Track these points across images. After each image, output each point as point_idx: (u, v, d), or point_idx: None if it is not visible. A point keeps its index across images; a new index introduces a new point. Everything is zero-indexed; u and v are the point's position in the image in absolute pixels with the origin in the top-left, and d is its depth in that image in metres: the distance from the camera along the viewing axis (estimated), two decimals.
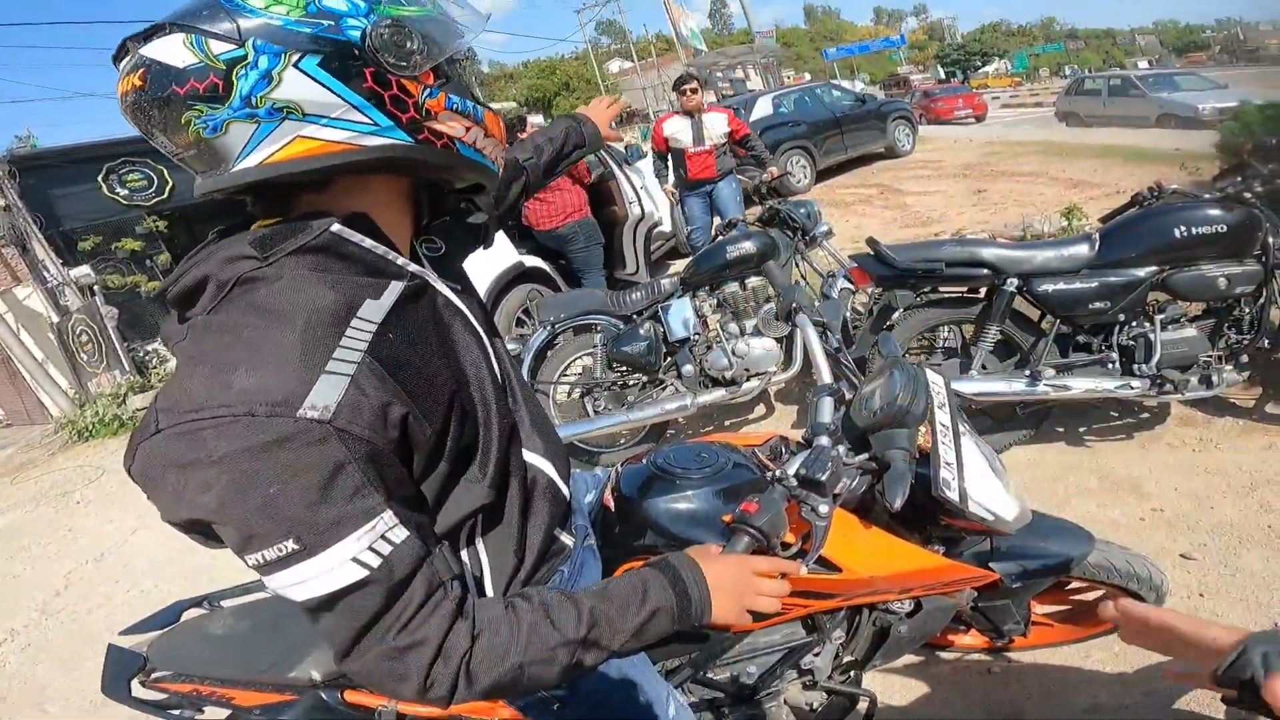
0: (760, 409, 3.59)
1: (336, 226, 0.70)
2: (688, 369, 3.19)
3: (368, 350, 0.66)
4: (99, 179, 8.48)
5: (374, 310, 0.69)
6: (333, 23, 0.65)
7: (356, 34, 0.65)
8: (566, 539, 0.97)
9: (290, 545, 0.59)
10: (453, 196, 0.90)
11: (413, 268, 0.77)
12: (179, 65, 0.61)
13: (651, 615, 0.77)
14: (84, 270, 7.93)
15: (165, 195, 8.79)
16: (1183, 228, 2.46)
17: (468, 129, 0.76)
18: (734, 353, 3.13)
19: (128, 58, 0.64)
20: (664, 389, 3.27)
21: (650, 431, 3.39)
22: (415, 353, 0.71)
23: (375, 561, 0.62)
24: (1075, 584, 1.57)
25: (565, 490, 0.96)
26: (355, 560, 0.61)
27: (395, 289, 0.73)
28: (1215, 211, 2.46)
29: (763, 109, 9.75)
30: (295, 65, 0.63)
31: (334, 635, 0.64)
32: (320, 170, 0.67)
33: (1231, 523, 2.22)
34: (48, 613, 3.43)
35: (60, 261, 7.88)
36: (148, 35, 0.63)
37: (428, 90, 0.71)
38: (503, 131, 0.82)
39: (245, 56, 0.62)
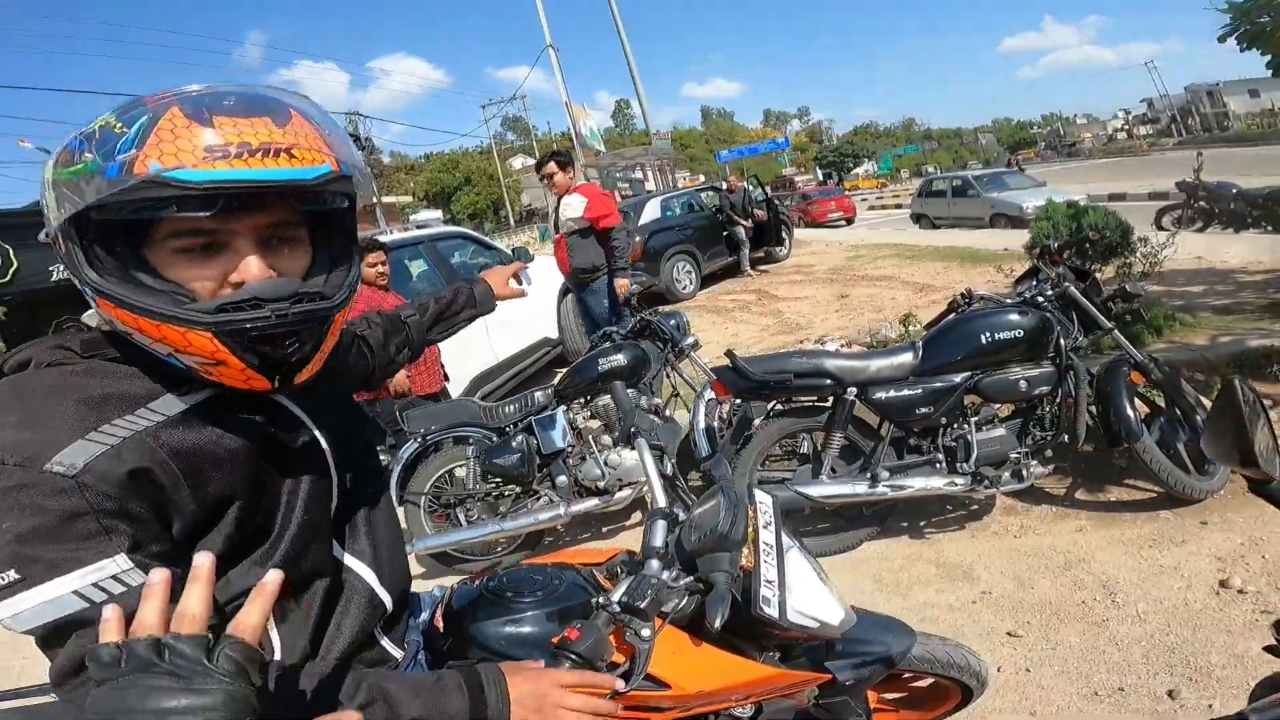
0: (636, 515, 3.64)
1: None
2: (561, 479, 3.22)
3: (143, 430, 0.69)
4: None
5: (171, 404, 0.73)
6: None
7: None
8: (394, 650, 0.98)
9: (11, 575, 0.62)
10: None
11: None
12: None
13: (439, 709, 0.78)
14: None
15: (8, 278, 7.90)
16: (987, 334, 2.78)
17: (145, 331, 0.71)
18: (607, 463, 3.20)
19: None
20: (538, 499, 3.28)
21: (526, 539, 3.36)
22: (207, 445, 0.74)
23: (99, 597, 0.63)
24: (907, 673, 1.68)
25: (386, 599, 0.96)
26: (77, 593, 0.63)
27: (206, 392, 0.76)
28: (1013, 316, 2.80)
29: (651, 212, 9.99)
30: None
31: (55, 665, 0.65)
32: None
33: (1050, 600, 2.44)
34: None
35: None
36: None
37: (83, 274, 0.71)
38: (212, 348, 0.69)
39: None
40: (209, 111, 0.66)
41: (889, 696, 1.84)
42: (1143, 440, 2.73)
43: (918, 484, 2.80)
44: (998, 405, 2.91)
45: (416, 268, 5.73)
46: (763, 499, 1.31)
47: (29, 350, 0.75)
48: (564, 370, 3.67)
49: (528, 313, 6.43)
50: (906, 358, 2.88)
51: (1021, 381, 2.80)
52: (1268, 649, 1.12)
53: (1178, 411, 2.91)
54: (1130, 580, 2.47)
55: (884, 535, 3.01)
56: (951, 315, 3.11)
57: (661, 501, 1.32)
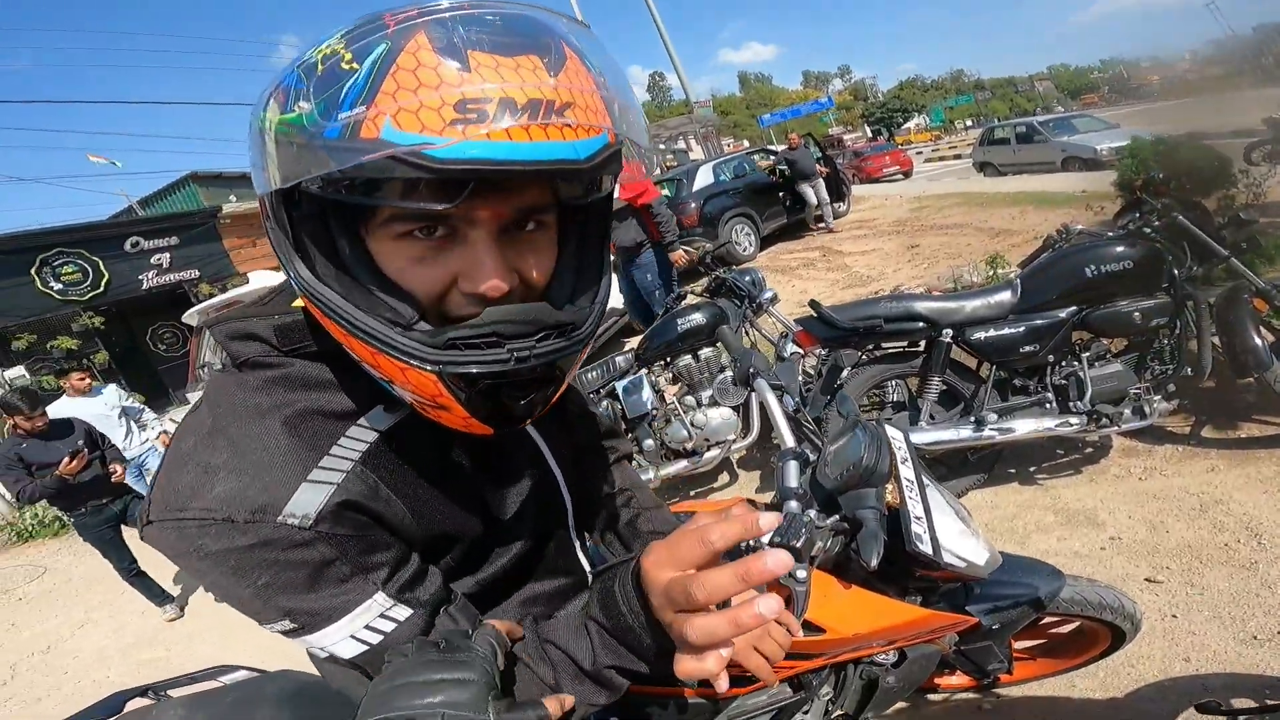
0: (724, 477, 3.61)
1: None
2: (648, 443, 3.20)
3: (360, 459, 0.63)
4: (32, 271, 8.06)
5: (379, 419, 0.65)
6: None
7: None
8: None
9: (289, 624, 0.61)
10: None
11: None
12: None
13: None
14: (18, 371, 7.59)
15: (101, 289, 8.37)
16: (1092, 267, 2.62)
17: (365, 351, 0.60)
18: (693, 424, 3.17)
19: None
20: None
21: None
22: (431, 455, 0.69)
23: (374, 639, 0.63)
24: (1050, 619, 1.61)
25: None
26: (354, 638, 0.63)
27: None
28: (1119, 249, 2.62)
29: (704, 178, 9.87)
30: None
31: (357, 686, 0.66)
32: None
33: (1189, 544, 2.29)
34: None
35: None
36: None
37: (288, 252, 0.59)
38: (435, 390, 0.57)
39: None
40: (463, 45, 0.47)
41: (1025, 644, 1.78)
42: (1273, 369, 2.52)
43: (1027, 426, 2.66)
44: (1109, 340, 2.74)
45: None
46: (895, 434, 1.25)
47: (219, 336, 0.65)
48: (639, 337, 3.64)
49: None
50: (1004, 296, 2.74)
51: (1136, 313, 2.61)
52: None
53: None
54: (1275, 520, 2.29)
55: (992, 483, 2.88)
56: (1048, 252, 2.96)
57: (790, 441, 1.27)
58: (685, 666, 0.55)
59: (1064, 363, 2.70)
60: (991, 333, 2.68)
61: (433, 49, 0.46)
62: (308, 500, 0.59)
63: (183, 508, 0.58)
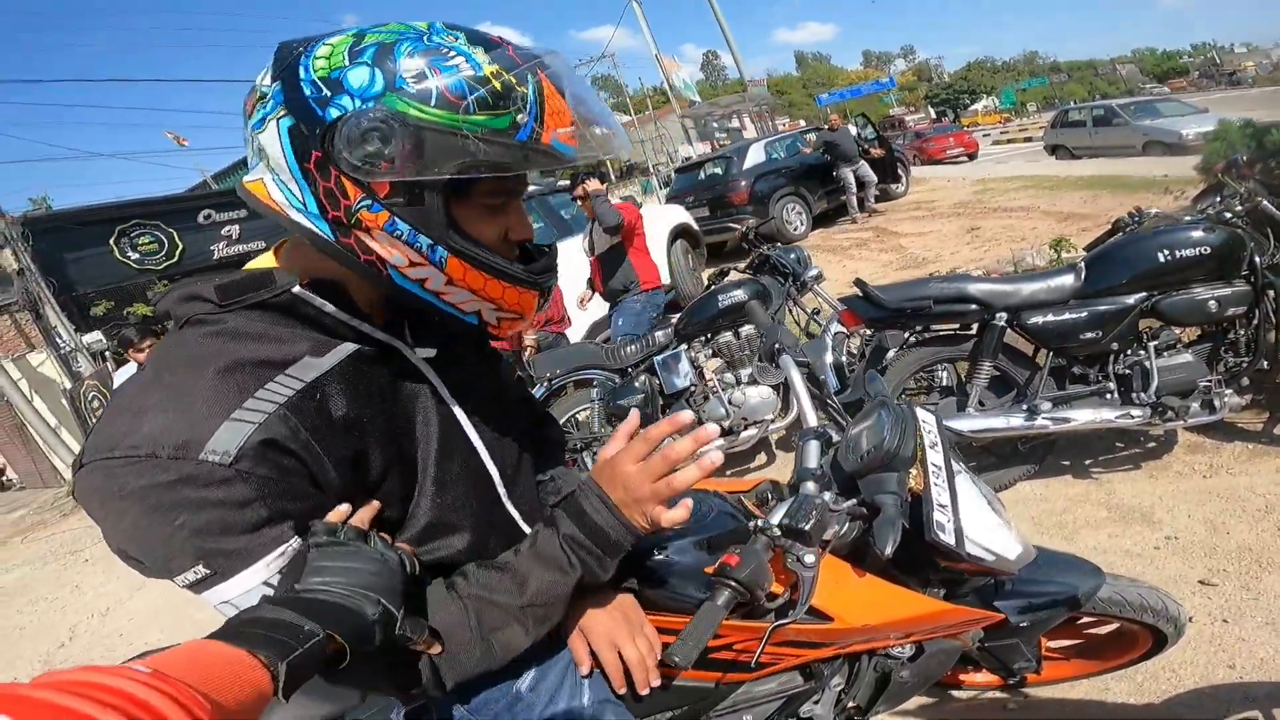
0: (761, 457, 3.56)
1: (298, 289, 0.72)
2: None
3: (285, 403, 0.67)
4: (110, 242, 8.49)
5: (308, 368, 0.71)
6: (329, 94, 0.64)
7: (335, 114, 0.64)
8: None
9: (202, 570, 0.63)
10: None
11: (379, 335, 0.77)
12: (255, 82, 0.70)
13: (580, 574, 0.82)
14: (96, 336, 8.04)
15: (176, 259, 8.79)
16: (1166, 251, 2.46)
17: (412, 263, 0.70)
18: (731, 402, 3.13)
19: None
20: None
21: None
22: (351, 410, 0.72)
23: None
24: (1087, 619, 1.53)
25: None
26: (266, 584, 0.64)
27: (343, 350, 0.74)
28: (1197, 234, 2.45)
29: (755, 156, 9.75)
30: (277, 120, 0.66)
31: None
32: (270, 218, 0.71)
33: (1250, 546, 2.16)
34: (51, 664, 3.43)
35: (73, 327, 7.99)
36: None
37: (369, 201, 0.67)
38: (524, 302, 0.79)
39: (264, 96, 0.67)
40: (562, 85, 0.70)
41: (1059, 644, 1.70)
42: None
43: (1085, 416, 2.53)
44: (1179, 329, 2.57)
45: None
46: (925, 417, 1.17)
47: (165, 303, 0.74)
48: (680, 312, 3.61)
49: None
50: (1066, 279, 2.59)
51: (1211, 302, 2.44)
52: None
53: None
54: None
55: (1042, 475, 2.75)
56: (1118, 235, 2.79)
57: (812, 421, 1.23)
58: (670, 516, 0.78)
59: (1129, 351, 2.55)
60: (1050, 317, 2.55)
61: (551, 84, 0.69)
62: (229, 438, 0.63)
63: (111, 448, 0.62)
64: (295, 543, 0.66)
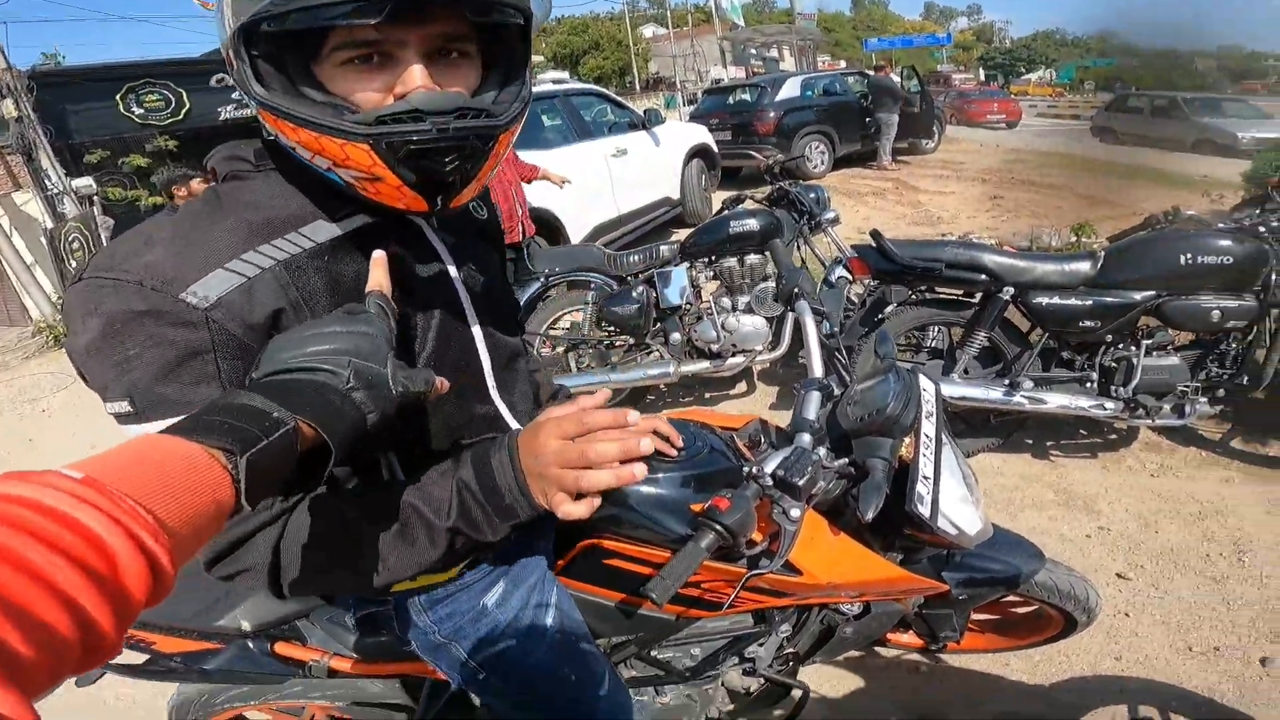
0: (742, 385, 3.61)
1: (320, 158, 0.70)
2: (675, 337, 3.19)
3: (284, 263, 0.68)
4: (117, 97, 8.32)
5: (320, 230, 0.71)
6: None
7: None
8: None
9: (125, 406, 0.63)
10: None
11: (400, 208, 0.72)
12: None
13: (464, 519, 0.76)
14: (86, 181, 7.82)
15: (181, 116, 8.61)
16: (1189, 255, 2.44)
17: (311, 150, 0.66)
18: (723, 326, 3.13)
19: None
20: (649, 354, 3.28)
21: (630, 395, 3.41)
22: (357, 278, 0.72)
23: None
24: (1015, 597, 1.57)
25: None
26: None
27: (360, 219, 0.74)
28: (1225, 242, 2.44)
29: (790, 90, 9.50)
30: None
31: None
32: None
33: (1172, 548, 2.27)
34: None
35: (64, 172, 7.78)
36: None
37: (246, 87, 0.66)
38: (360, 161, 0.65)
39: None
40: None
41: (980, 617, 1.78)
42: None
43: (1060, 400, 2.57)
44: (1174, 332, 2.59)
45: (550, 121, 5.67)
46: (926, 385, 1.16)
47: (214, 157, 0.76)
48: (688, 230, 3.55)
49: (653, 171, 6.34)
50: (1082, 266, 2.57)
51: (1215, 311, 2.45)
52: None
53: None
54: (1266, 541, 2.27)
55: (1004, 449, 2.83)
56: (1147, 231, 2.76)
57: (818, 371, 1.21)
58: (568, 509, 0.71)
59: (1120, 345, 2.57)
60: (1056, 300, 2.55)
61: None
62: (215, 284, 0.64)
63: (111, 268, 0.63)
64: None
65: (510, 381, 0.93)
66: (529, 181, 4.25)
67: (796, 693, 1.34)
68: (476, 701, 1.19)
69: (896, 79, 10.26)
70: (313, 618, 1.15)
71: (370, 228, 0.74)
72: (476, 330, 0.86)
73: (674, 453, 1.02)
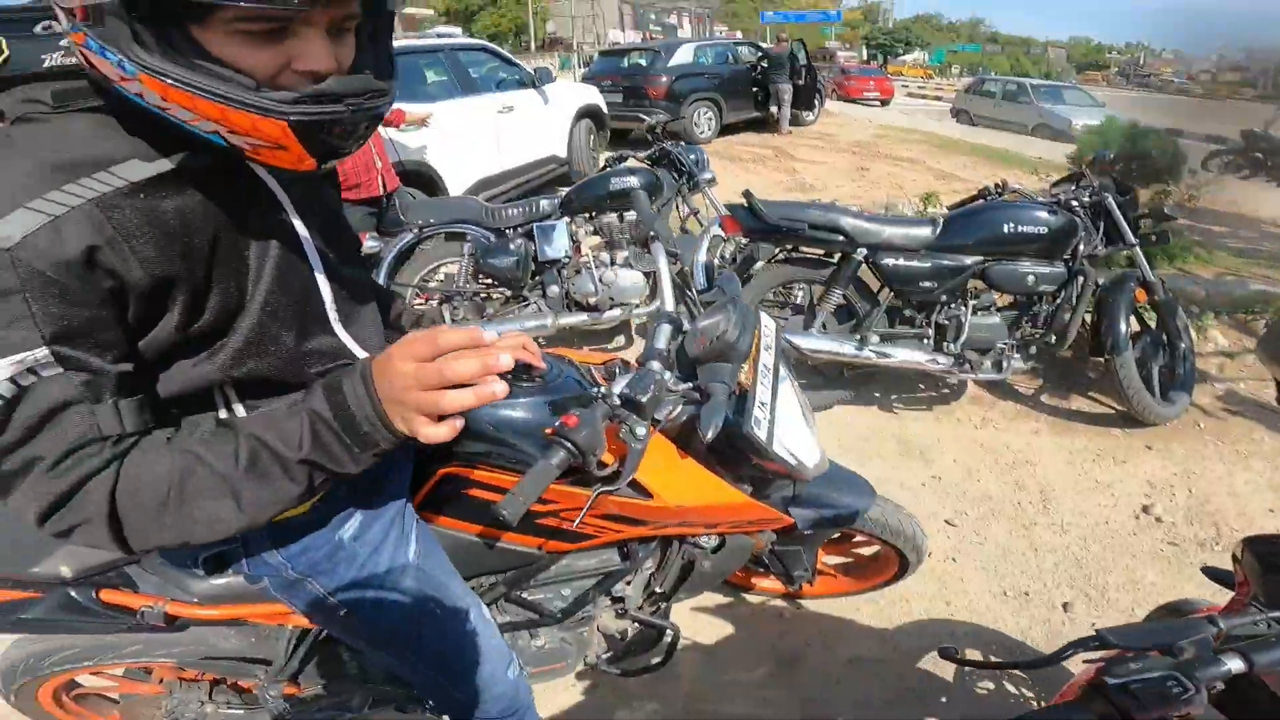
0: (619, 339, 3.68)
1: (133, 93, 0.66)
2: (553, 290, 3.20)
3: (96, 200, 0.64)
4: None
5: (134, 169, 0.67)
6: None
7: None
8: None
9: None
10: None
11: (221, 142, 0.69)
12: None
13: (318, 449, 0.73)
14: None
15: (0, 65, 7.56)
16: (1011, 224, 2.74)
17: (121, 79, 0.64)
18: (601, 280, 3.17)
19: None
20: (526, 306, 3.27)
21: None
22: (179, 217, 0.69)
23: (9, 391, 0.61)
24: (857, 539, 1.74)
25: None
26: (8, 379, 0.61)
27: (178, 156, 0.70)
28: (1042, 214, 2.75)
29: (683, 56, 9.65)
30: None
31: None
32: None
33: (990, 495, 2.52)
34: None
35: None
36: None
37: (70, 24, 0.64)
38: (270, 133, 0.65)
39: None
40: None
41: (832, 560, 1.93)
42: (1124, 355, 2.77)
43: (902, 355, 2.83)
44: (997, 294, 2.91)
45: (434, 75, 5.41)
46: (767, 321, 1.26)
47: (3, 103, 0.70)
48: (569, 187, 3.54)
49: (539, 128, 6.24)
50: (924, 231, 2.83)
51: (1030, 276, 2.78)
52: (1205, 570, 1.15)
53: (1164, 335, 2.95)
54: (1065, 489, 2.54)
55: (856, 403, 3.08)
56: (980, 201, 3.06)
57: (669, 306, 1.28)
58: (429, 431, 0.71)
59: (952, 305, 2.85)
60: (901, 261, 2.78)
61: None
62: (17, 222, 0.60)
63: None
64: (42, 354, 0.61)
65: (357, 315, 0.91)
66: (395, 126, 4.07)
67: (669, 635, 1.39)
68: (340, 645, 1.18)
69: (795, 51, 10.59)
70: (144, 563, 1.08)
71: (196, 165, 0.71)
72: (316, 263, 0.84)
73: (541, 366, 1.05)
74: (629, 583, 1.33)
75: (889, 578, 1.79)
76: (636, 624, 1.38)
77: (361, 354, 0.89)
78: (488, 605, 1.17)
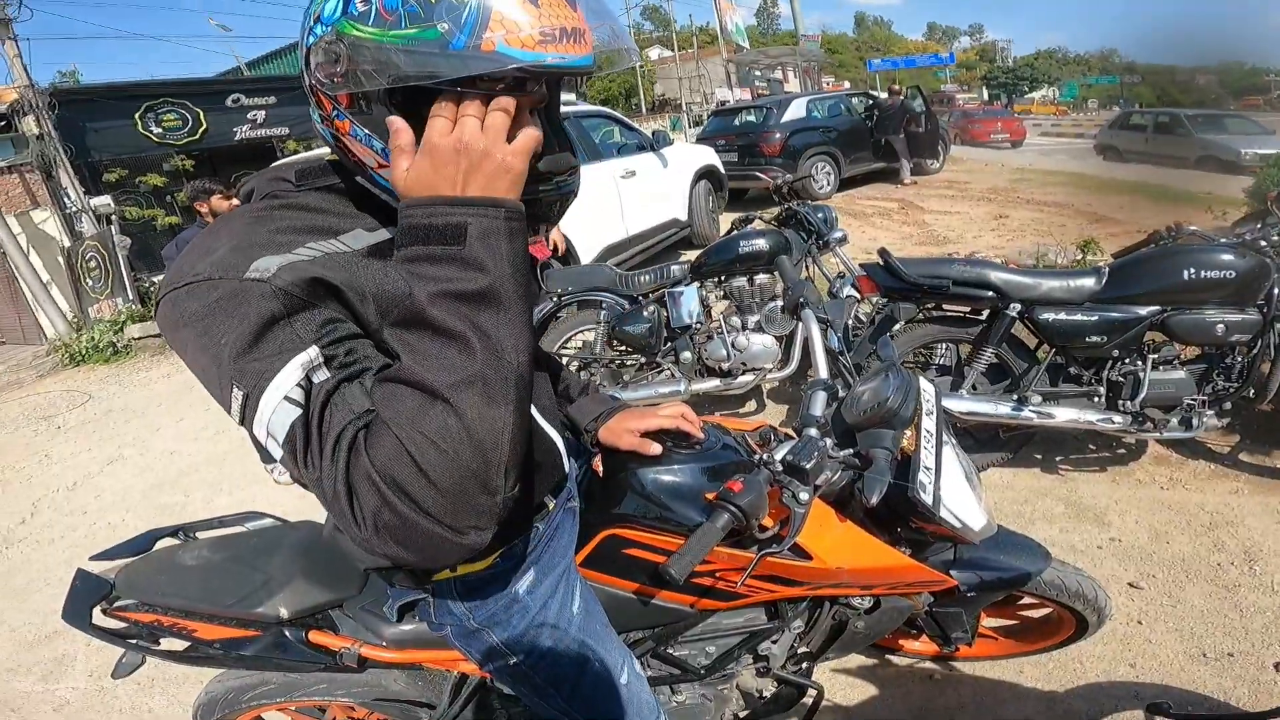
0: (752, 404, 3.65)
1: (360, 177, 0.79)
2: (686, 355, 3.24)
3: (321, 258, 0.71)
4: (135, 116, 8.56)
5: (359, 239, 0.77)
6: (312, 25, 0.72)
7: (310, 40, 0.72)
8: (547, 499, 1.03)
9: (239, 393, 0.65)
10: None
11: None
12: None
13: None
14: (104, 200, 8.00)
15: (197, 136, 8.92)
16: (1192, 270, 2.47)
17: (380, 165, 0.74)
18: (734, 345, 3.18)
19: None
20: (660, 373, 3.33)
21: None
22: (388, 280, 0.74)
23: (302, 397, 0.64)
24: (1024, 600, 1.62)
25: (565, 459, 1.03)
26: (288, 399, 0.64)
27: (388, 232, 0.80)
28: (1227, 257, 2.47)
29: (795, 111, 9.64)
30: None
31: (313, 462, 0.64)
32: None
33: (1183, 558, 2.28)
34: (9, 541, 3.36)
35: (83, 190, 7.95)
36: None
37: (338, 110, 0.74)
38: None
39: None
40: None
41: (995, 623, 1.81)
42: None
43: (1068, 415, 2.60)
44: (1180, 346, 2.62)
45: None
46: (927, 386, 1.25)
47: (252, 181, 0.83)
48: (698, 251, 3.62)
49: (661, 192, 6.44)
50: (1087, 282, 2.61)
51: (1219, 325, 2.48)
52: None
53: None
54: (1276, 551, 2.27)
55: (1014, 464, 2.85)
56: (1149, 247, 2.80)
57: (823, 373, 1.28)
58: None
59: (1127, 360, 2.60)
60: (1062, 316, 2.58)
61: None
62: (270, 261, 0.68)
63: (180, 279, 0.69)
64: (313, 354, 0.65)
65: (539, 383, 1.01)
66: None
67: (811, 694, 1.36)
68: (505, 690, 1.23)
69: (909, 100, 10.38)
70: (347, 608, 1.20)
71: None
72: None
73: (700, 435, 1.10)
74: (775, 641, 1.32)
75: (1060, 640, 1.66)
76: (778, 683, 1.36)
77: (545, 425, 0.98)
78: (636, 659, 1.19)
